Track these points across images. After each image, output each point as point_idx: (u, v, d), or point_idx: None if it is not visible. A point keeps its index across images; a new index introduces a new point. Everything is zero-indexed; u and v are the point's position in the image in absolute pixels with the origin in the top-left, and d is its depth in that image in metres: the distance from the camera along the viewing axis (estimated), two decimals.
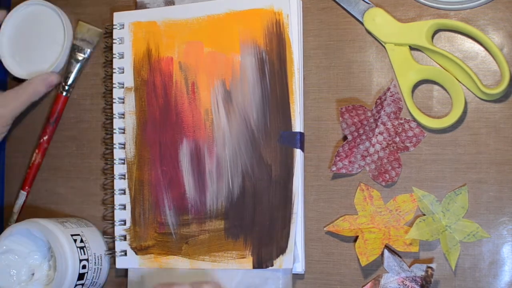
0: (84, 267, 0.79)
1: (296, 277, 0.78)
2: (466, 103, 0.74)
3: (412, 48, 0.76)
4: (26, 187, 0.88)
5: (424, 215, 0.74)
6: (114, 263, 0.83)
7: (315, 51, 0.79)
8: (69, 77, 0.87)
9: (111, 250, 0.83)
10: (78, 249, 0.79)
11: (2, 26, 0.89)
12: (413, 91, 0.76)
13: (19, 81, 0.89)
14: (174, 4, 0.84)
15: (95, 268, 0.81)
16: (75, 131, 0.88)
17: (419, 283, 0.72)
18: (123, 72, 0.84)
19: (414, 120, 0.75)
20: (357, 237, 0.75)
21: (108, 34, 0.86)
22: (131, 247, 0.82)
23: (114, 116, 0.84)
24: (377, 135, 0.75)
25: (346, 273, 0.76)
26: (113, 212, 0.83)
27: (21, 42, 0.89)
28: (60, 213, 0.87)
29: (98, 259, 0.81)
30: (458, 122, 0.74)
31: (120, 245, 0.82)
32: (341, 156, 0.76)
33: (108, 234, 0.84)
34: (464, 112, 0.74)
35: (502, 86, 0.71)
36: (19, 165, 0.89)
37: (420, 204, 0.74)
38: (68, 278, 0.77)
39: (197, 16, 0.81)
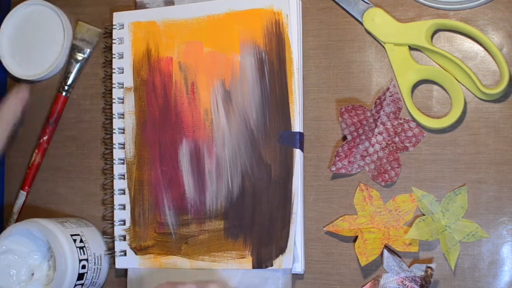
0: (83, 267, 0.79)
1: (296, 277, 0.78)
2: (465, 103, 0.74)
3: (411, 48, 0.76)
4: (26, 187, 0.88)
5: (424, 215, 0.74)
6: (114, 263, 0.83)
7: (314, 51, 0.79)
8: (69, 77, 0.87)
9: (111, 250, 0.83)
10: (78, 249, 0.79)
11: (2, 26, 0.89)
12: (412, 91, 0.76)
13: (19, 81, 0.89)
14: (173, 4, 0.84)
15: (94, 268, 0.81)
16: (75, 131, 0.88)
17: (418, 283, 0.72)
18: (122, 72, 0.84)
19: (414, 120, 0.75)
20: (356, 237, 0.75)
21: (108, 34, 0.86)
22: (130, 247, 0.82)
23: (113, 116, 0.84)
24: (376, 135, 0.75)
25: (346, 273, 0.76)
26: (112, 212, 0.83)
27: (21, 42, 0.89)
28: (60, 213, 0.87)
29: (98, 259, 0.81)
30: (458, 122, 0.74)
31: (119, 245, 0.82)
32: (340, 156, 0.76)
33: (108, 234, 0.84)
34: (464, 112, 0.74)
35: (502, 86, 0.71)
36: (19, 165, 0.89)
37: (419, 204, 0.74)
38: (68, 278, 0.77)
39: (196, 16, 0.81)
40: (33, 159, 0.87)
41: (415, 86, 0.76)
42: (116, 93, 0.84)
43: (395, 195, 0.75)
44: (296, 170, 0.76)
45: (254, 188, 0.78)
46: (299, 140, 0.77)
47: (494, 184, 0.73)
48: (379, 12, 0.76)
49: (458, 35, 0.75)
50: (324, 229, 0.77)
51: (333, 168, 0.76)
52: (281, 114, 0.78)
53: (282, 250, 0.76)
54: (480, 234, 0.72)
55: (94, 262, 0.81)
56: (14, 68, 0.89)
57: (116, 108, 0.84)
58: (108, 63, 0.86)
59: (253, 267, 0.77)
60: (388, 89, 0.75)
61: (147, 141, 0.82)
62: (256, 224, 0.77)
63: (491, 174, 0.73)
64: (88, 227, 0.83)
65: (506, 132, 0.73)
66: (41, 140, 0.87)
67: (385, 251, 0.74)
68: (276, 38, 0.78)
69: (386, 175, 0.75)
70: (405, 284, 0.73)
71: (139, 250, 0.82)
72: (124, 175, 0.83)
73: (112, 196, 0.84)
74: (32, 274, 0.80)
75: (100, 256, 0.82)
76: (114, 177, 0.83)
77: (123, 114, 0.84)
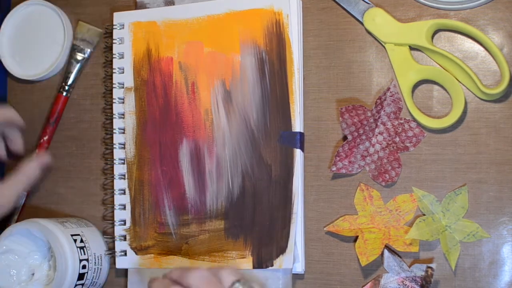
0: (84, 267, 0.79)
1: (296, 277, 0.78)
2: (466, 103, 0.74)
3: (412, 48, 0.76)
4: None
5: (424, 215, 0.74)
6: (114, 263, 0.83)
7: (315, 51, 0.79)
8: (69, 77, 0.87)
9: (111, 250, 0.83)
10: (78, 249, 0.79)
11: (2, 26, 0.89)
12: (413, 91, 0.76)
13: (19, 81, 0.89)
14: (174, 4, 0.84)
15: (95, 268, 0.81)
16: (75, 131, 0.88)
17: (419, 283, 0.72)
18: (123, 72, 0.84)
19: (414, 120, 0.75)
20: (357, 237, 0.75)
21: (108, 34, 0.86)
22: (131, 247, 0.82)
23: (114, 116, 0.84)
24: (377, 135, 0.75)
25: (346, 273, 0.76)
26: (113, 212, 0.83)
27: (21, 42, 0.89)
28: (60, 213, 0.87)
29: (98, 259, 0.81)
30: (458, 122, 0.74)
31: (120, 245, 0.82)
32: (341, 156, 0.76)
33: (108, 234, 0.84)
34: (464, 112, 0.74)
35: (502, 86, 0.71)
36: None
37: (420, 204, 0.74)
38: (68, 278, 0.77)
39: (197, 16, 0.81)
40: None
41: (416, 86, 0.76)
42: (117, 93, 0.84)
43: (395, 195, 0.75)
44: (297, 170, 0.76)
45: (254, 188, 0.78)
46: (300, 140, 0.77)
47: (495, 184, 0.73)
48: (379, 12, 0.76)
49: (459, 35, 0.75)
50: (325, 229, 0.77)
51: (334, 168, 0.76)
52: (281, 114, 0.77)
53: (282, 250, 0.76)
54: (481, 234, 0.72)
55: (95, 262, 0.81)
56: (14, 68, 0.89)
57: (117, 108, 0.84)
58: (109, 63, 0.86)
59: (254, 267, 0.77)
60: (388, 89, 0.75)
61: (147, 141, 0.82)
62: (257, 224, 0.77)
63: (492, 174, 0.73)
64: (89, 227, 0.83)
65: (506, 132, 0.73)
66: (42, 140, 0.87)
67: (386, 251, 0.74)
68: (277, 38, 0.78)
69: (387, 175, 0.75)
70: (406, 284, 0.73)
71: (139, 250, 0.82)
72: (124, 175, 0.83)
73: (113, 196, 0.84)
74: (33, 274, 0.80)
75: (101, 256, 0.82)
76: (115, 177, 0.83)
77: (123, 114, 0.84)
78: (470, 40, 0.74)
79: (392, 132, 0.75)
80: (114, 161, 0.83)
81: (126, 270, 0.83)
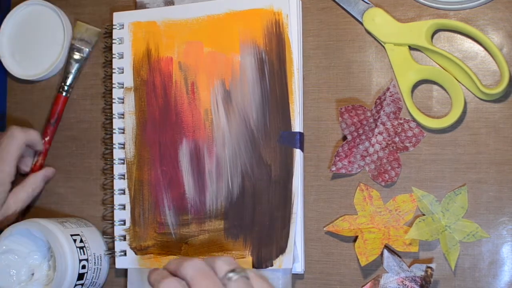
0: (83, 267, 0.79)
1: (296, 277, 0.78)
2: (465, 103, 0.74)
3: (411, 48, 0.76)
4: None
5: (424, 215, 0.74)
6: (114, 263, 0.83)
7: (314, 51, 0.79)
8: (68, 77, 0.87)
9: (111, 250, 0.83)
10: (78, 249, 0.79)
11: (2, 26, 0.89)
12: (412, 91, 0.76)
13: (19, 81, 0.89)
14: (174, 4, 0.84)
15: (94, 268, 0.81)
16: (75, 131, 0.88)
17: (418, 283, 0.72)
18: (122, 72, 0.84)
19: (414, 120, 0.75)
20: (356, 237, 0.75)
21: (108, 34, 0.86)
22: (130, 247, 0.82)
23: (113, 116, 0.84)
24: (376, 135, 0.75)
25: (346, 273, 0.76)
26: (112, 212, 0.83)
27: (21, 42, 0.89)
28: (60, 213, 0.87)
29: (98, 259, 0.81)
30: (458, 122, 0.74)
31: (119, 245, 0.82)
32: (340, 156, 0.76)
33: (108, 234, 0.84)
34: (464, 112, 0.74)
35: (502, 86, 0.71)
36: None
37: (419, 204, 0.74)
38: (68, 278, 0.77)
39: (197, 16, 0.81)
40: (36, 160, 0.87)
41: (415, 86, 0.76)
42: (116, 93, 0.84)
43: (395, 195, 0.75)
44: (296, 170, 0.76)
45: (254, 188, 0.78)
46: (299, 140, 0.77)
47: (494, 184, 0.73)
48: (379, 12, 0.76)
49: (458, 35, 0.75)
50: (324, 229, 0.77)
51: (333, 168, 0.76)
52: (281, 114, 0.77)
53: (282, 250, 0.76)
54: (480, 234, 0.72)
55: (94, 262, 0.81)
56: (14, 68, 0.89)
57: (116, 108, 0.84)
58: (108, 63, 0.86)
59: (253, 267, 0.77)
60: (388, 89, 0.75)
61: (147, 141, 0.82)
62: (256, 224, 0.77)
63: (491, 174, 0.73)
64: (88, 227, 0.83)
65: (506, 132, 0.73)
66: (43, 141, 0.87)
67: (385, 251, 0.74)
68: (276, 38, 0.78)
69: (386, 175, 0.75)
70: (405, 284, 0.73)
71: (139, 250, 0.82)
72: (124, 175, 0.83)
73: (112, 196, 0.84)
74: (32, 274, 0.80)
75: (100, 256, 0.82)
76: (114, 177, 0.83)
77: (123, 114, 0.84)
78: (469, 40, 0.74)
79: (392, 132, 0.75)
80: (114, 161, 0.83)
81: (125, 270, 0.83)
